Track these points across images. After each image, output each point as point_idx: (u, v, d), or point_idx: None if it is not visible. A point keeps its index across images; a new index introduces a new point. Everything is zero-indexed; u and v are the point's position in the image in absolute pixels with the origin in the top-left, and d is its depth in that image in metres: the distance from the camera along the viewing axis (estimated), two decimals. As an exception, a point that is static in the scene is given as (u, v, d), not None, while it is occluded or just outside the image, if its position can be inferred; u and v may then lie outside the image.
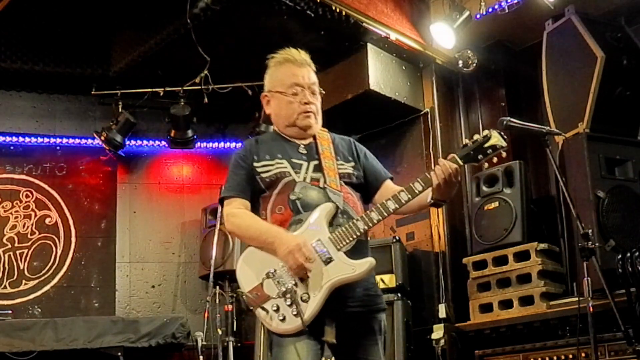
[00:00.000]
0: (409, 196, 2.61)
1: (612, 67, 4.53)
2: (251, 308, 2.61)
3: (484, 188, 5.27)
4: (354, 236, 2.60)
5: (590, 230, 3.21)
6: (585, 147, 4.49)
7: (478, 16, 5.28)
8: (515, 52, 5.87)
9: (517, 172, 5.11)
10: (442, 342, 5.01)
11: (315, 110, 2.83)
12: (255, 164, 2.76)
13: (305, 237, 2.58)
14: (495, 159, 2.68)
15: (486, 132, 2.65)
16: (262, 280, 2.60)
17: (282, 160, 2.75)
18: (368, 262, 2.60)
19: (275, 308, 2.56)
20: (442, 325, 5.11)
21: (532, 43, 5.58)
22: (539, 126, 3.33)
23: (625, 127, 4.71)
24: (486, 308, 4.99)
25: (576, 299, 4.16)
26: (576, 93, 4.63)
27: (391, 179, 2.90)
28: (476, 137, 2.65)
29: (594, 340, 3.19)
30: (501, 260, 4.96)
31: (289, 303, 2.54)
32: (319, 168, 2.74)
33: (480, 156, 2.64)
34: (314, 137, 2.85)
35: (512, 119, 3.12)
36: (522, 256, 4.87)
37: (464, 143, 2.69)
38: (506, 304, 4.89)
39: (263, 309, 2.57)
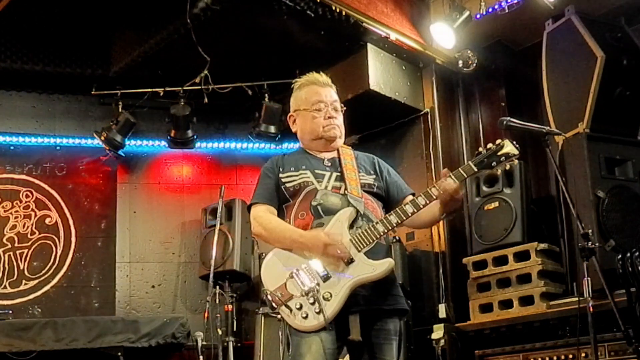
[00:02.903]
0: (414, 209, 2.77)
1: (612, 67, 4.53)
2: (275, 307, 2.74)
3: (484, 188, 5.27)
4: (374, 238, 2.75)
5: (590, 230, 3.20)
6: (585, 147, 4.49)
7: (478, 16, 5.28)
8: (515, 52, 5.87)
9: (517, 172, 5.11)
10: (442, 342, 5.01)
11: (339, 124, 3.02)
12: (281, 175, 2.94)
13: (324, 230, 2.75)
14: (497, 170, 2.89)
15: (499, 141, 2.79)
16: (285, 280, 2.75)
17: (306, 171, 2.93)
18: (387, 262, 2.75)
19: (298, 306, 2.70)
20: (442, 325, 5.11)
21: (532, 43, 5.58)
22: (539, 126, 3.32)
23: (625, 127, 4.70)
24: (486, 308, 4.99)
25: (576, 299, 4.17)
26: (576, 93, 4.63)
27: (413, 194, 3.02)
28: (490, 145, 2.79)
29: (594, 340, 3.18)
30: (501, 260, 4.96)
31: (311, 301, 2.67)
32: (341, 178, 2.91)
33: (493, 163, 2.78)
34: (338, 152, 3.02)
35: (512, 119, 3.13)
36: (522, 256, 4.87)
37: (478, 151, 2.82)
38: (506, 304, 4.89)
39: (287, 306, 2.71)
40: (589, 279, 3.18)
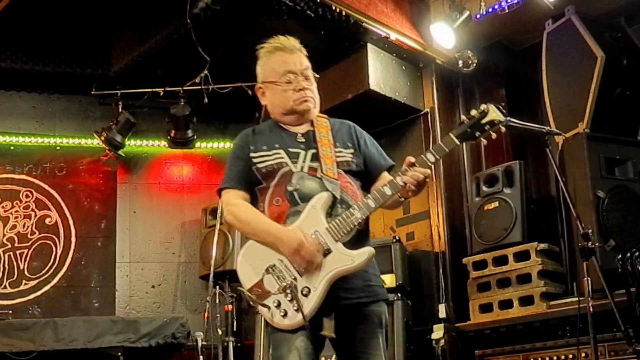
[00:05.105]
0: (392, 191, 2.56)
1: (612, 67, 4.53)
2: (253, 305, 2.61)
3: (484, 188, 5.27)
4: (352, 226, 2.55)
5: (590, 230, 3.21)
6: (585, 147, 4.49)
7: (478, 16, 5.28)
8: (515, 52, 5.87)
9: (517, 172, 5.11)
10: (442, 342, 5.01)
11: (312, 95, 2.79)
12: (252, 155, 2.72)
13: (303, 230, 2.54)
14: (481, 143, 2.59)
15: (483, 106, 2.56)
16: (262, 276, 2.58)
17: (279, 150, 2.70)
18: (367, 251, 2.55)
19: (276, 304, 2.54)
20: (442, 325, 5.11)
21: (532, 43, 5.58)
22: (539, 126, 3.32)
23: (625, 127, 4.70)
24: (486, 308, 4.99)
25: (576, 299, 4.17)
26: (576, 93, 4.63)
27: (391, 167, 2.84)
28: (473, 112, 2.56)
29: (594, 340, 3.18)
30: (501, 260, 4.96)
31: (289, 298, 2.52)
32: (316, 157, 2.69)
33: (477, 133, 2.54)
34: (312, 124, 2.80)
35: (512, 119, 3.11)
36: (522, 256, 4.87)
37: (460, 120, 2.59)
38: (506, 304, 4.89)
39: (264, 305, 2.56)
40: (589, 279, 3.18)
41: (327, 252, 2.53)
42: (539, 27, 5.00)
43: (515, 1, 5.04)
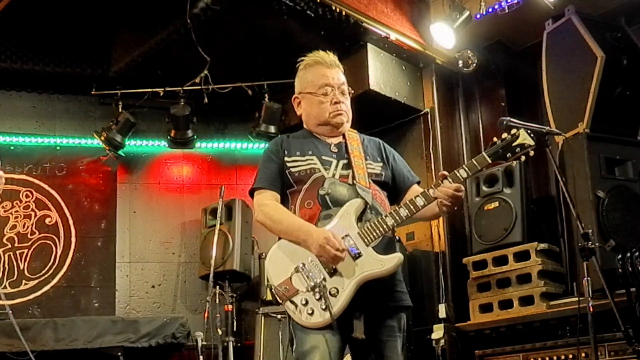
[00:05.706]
0: (425, 202, 2.68)
1: (612, 67, 4.53)
2: (280, 302, 2.66)
3: (484, 188, 5.27)
4: (383, 232, 2.66)
5: (590, 230, 3.21)
6: (585, 147, 4.49)
7: (478, 16, 5.28)
8: (515, 52, 5.87)
9: (517, 172, 5.11)
10: (442, 342, 5.01)
11: (346, 109, 2.92)
12: (286, 159, 2.83)
13: (334, 232, 2.64)
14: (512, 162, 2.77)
15: (514, 131, 2.71)
16: (290, 275, 2.66)
17: (313, 157, 2.83)
18: (397, 257, 2.66)
19: (304, 302, 2.61)
20: (442, 325, 5.11)
21: (532, 43, 5.58)
22: (539, 126, 3.31)
23: (625, 127, 4.70)
24: (486, 308, 4.99)
25: (576, 299, 4.17)
26: (576, 93, 4.63)
27: (418, 182, 2.98)
28: (505, 136, 2.71)
29: (594, 340, 3.18)
30: (501, 260, 4.96)
31: (317, 297, 2.59)
32: (348, 166, 2.81)
33: (508, 154, 2.69)
34: (344, 136, 2.92)
35: (512, 119, 3.12)
36: (522, 256, 4.87)
37: (492, 142, 2.74)
38: (506, 304, 4.89)
39: (292, 302, 2.63)
40: (589, 279, 3.18)
41: (357, 255, 2.62)
42: (539, 27, 5.00)
43: (515, 1, 5.04)
